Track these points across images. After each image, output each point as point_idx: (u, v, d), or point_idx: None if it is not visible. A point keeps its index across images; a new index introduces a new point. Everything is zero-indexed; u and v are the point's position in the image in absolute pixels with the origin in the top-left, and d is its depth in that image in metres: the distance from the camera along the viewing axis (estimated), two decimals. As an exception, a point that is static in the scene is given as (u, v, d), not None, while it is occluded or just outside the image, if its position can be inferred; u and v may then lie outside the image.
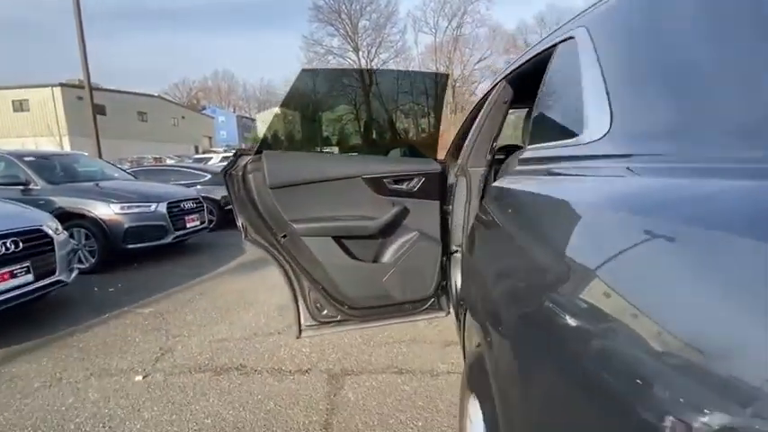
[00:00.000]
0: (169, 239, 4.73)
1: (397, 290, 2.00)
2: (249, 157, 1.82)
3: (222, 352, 2.49)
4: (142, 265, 4.59)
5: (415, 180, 1.95)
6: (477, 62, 35.06)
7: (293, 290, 1.90)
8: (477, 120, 2.02)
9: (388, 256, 2.00)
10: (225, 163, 2.58)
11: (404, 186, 1.95)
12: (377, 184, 1.91)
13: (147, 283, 3.90)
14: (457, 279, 2.14)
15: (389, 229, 1.95)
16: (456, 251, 2.15)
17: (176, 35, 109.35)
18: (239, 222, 1.79)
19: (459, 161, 2.09)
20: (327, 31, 32.93)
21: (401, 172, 1.94)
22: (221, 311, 3.18)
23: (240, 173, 1.80)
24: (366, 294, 2.00)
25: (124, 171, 6.25)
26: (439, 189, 2.02)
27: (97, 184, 4.87)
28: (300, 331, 1.98)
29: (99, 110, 14.83)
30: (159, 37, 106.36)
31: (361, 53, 33.27)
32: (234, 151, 2.30)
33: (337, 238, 1.92)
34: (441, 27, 34.88)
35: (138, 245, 4.50)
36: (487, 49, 35.17)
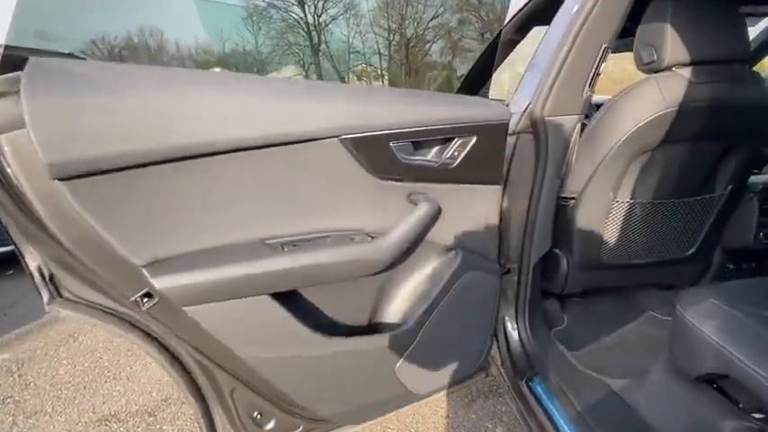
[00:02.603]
0: None
1: (423, 381, 1.03)
2: None
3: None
4: None
5: (460, 143, 0.93)
6: (431, 20, 33.50)
7: (200, 397, 0.87)
8: (558, 50, 1.06)
9: (401, 311, 1.01)
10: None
11: (435, 157, 0.94)
12: (377, 154, 0.87)
13: None
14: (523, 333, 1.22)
15: (404, 255, 0.93)
16: (508, 270, 1.22)
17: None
18: (25, 264, 0.72)
19: (523, 106, 1.11)
20: (267, -19, 29.60)
21: (432, 123, 0.90)
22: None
23: None
24: (357, 402, 1.02)
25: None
26: (505, 159, 1.03)
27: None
28: None
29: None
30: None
31: (306, 7, 30.44)
32: None
33: (283, 295, 0.86)
34: (392, -20, 32.63)
35: None
36: (441, 6, 33.63)
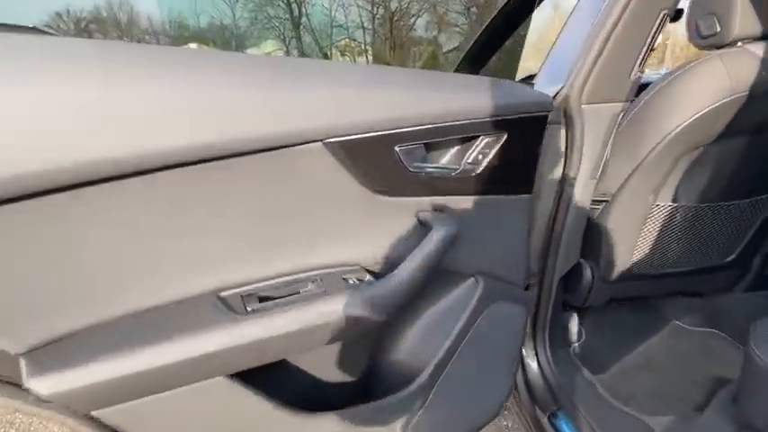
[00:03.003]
0: None
1: None
2: None
3: None
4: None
5: (486, 142, 0.70)
6: (416, -7, 32.43)
7: None
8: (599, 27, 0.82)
9: (408, 363, 0.78)
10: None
11: (454, 163, 0.70)
12: (377, 163, 0.64)
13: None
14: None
15: (414, 297, 0.70)
16: (527, 286, 1.02)
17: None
18: None
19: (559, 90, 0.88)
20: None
21: (451, 117, 0.66)
22: None
23: None
24: None
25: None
26: (538, 161, 0.81)
27: None
28: None
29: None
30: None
31: (286, -22, 29.01)
32: None
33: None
34: (375, -50, 31.25)
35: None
36: (426, -22, 32.49)
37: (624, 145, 1.02)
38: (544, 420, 1.09)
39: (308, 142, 0.56)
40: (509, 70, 1.71)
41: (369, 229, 0.67)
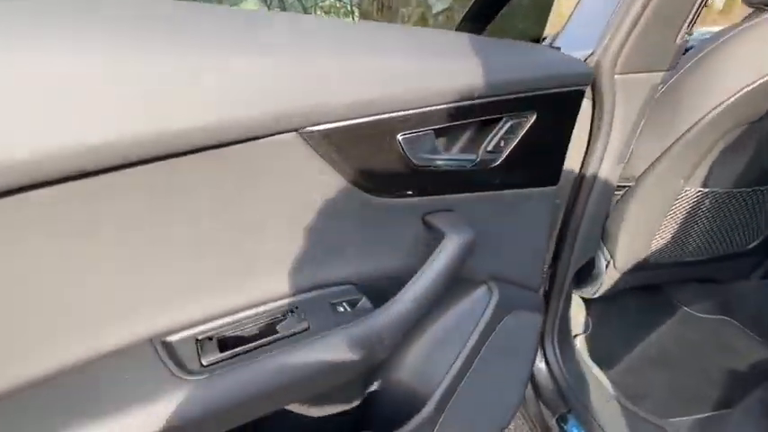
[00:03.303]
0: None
1: None
2: None
3: None
4: None
5: (511, 125, 0.55)
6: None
7: None
8: None
9: (413, 391, 0.65)
10: None
11: (469, 152, 0.55)
12: (374, 156, 0.48)
13: None
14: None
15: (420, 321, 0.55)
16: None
17: None
18: None
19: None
20: None
21: (469, 94, 0.50)
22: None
23: None
24: None
25: None
26: (568, 146, 0.66)
27: None
28: None
29: None
30: None
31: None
32: None
33: None
34: None
35: None
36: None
37: (655, 122, 0.87)
38: (552, 423, 1.01)
39: (277, 133, 0.40)
40: (516, 33, 1.51)
41: (363, 239, 0.53)
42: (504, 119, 0.55)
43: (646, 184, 0.94)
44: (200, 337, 0.43)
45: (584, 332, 1.26)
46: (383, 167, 0.49)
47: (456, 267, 0.53)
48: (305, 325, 0.46)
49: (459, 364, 0.66)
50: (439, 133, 0.53)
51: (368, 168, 0.48)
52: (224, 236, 0.44)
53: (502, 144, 0.57)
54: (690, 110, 0.84)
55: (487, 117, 0.54)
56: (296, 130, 0.41)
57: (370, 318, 0.48)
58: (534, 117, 0.56)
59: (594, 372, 1.09)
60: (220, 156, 0.39)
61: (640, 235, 1.05)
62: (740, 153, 0.93)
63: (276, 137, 0.40)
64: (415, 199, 0.54)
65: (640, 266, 1.14)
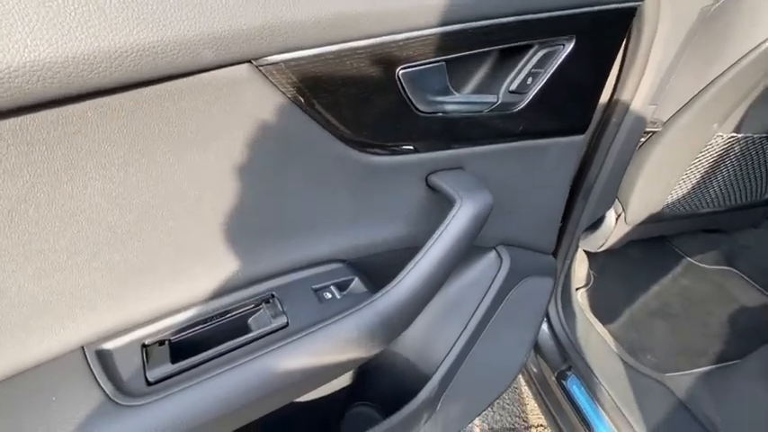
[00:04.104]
0: None
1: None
2: None
3: None
4: None
5: (542, 56, 0.42)
6: None
7: None
8: None
9: (419, 365, 0.58)
10: None
11: (488, 92, 0.43)
12: (363, 99, 0.34)
13: None
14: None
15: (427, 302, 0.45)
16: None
17: None
18: None
19: None
20: None
21: (491, 12, 0.36)
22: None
23: None
24: None
25: None
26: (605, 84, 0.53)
27: None
28: None
29: None
30: None
31: None
32: None
33: None
34: None
35: None
36: None
37: (696, 56, 0.74)
38: (552, 380, 0.99)
39: (225, 65, 0.27)
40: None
41: (352, 205, 0.42)
42: (536, 47, 0.42)
43: (675, 129, 0.83)
44: (147, 342, 0.34)
45: (586, 286, 1.22)
46: (377, 115, 0.37)
47: (470, 239, 0.43)
48: (283, 320, 0.36)
49: (463, 339, 0.59)
50: (449, 68, 0.40)
51: (356, 116, 0.36)
52: (171, 203, 0.33)
53: (529, 81, 0.44)
54: (734, 45, 0.70)
55: (514, 44, 0.41)
56: (249, 61, 0.28)
57: (366, 306, 0.38)
58: (572, 44, 0.43)
59: (596, 327, 1.05)
60: (143, 98, 0.27)
61: (660, 185, 0.95)
62: None
63: (223, 71, 0.28)
64: (418, 156, 0.43)
65: (653, 219, 1.06)
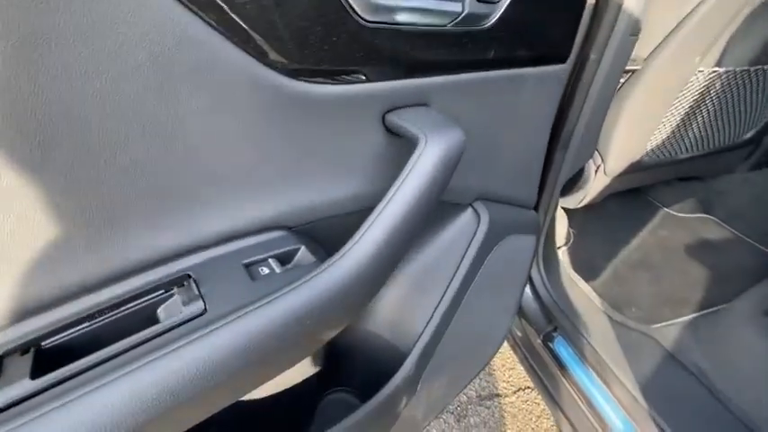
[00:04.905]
0: None
1: (430, 408, 0.60)
2: None
3: None
4: None
5: None
6: None
7: None
8: None
9: (394, 339, 0.50)
10: None
11: (446, 4, 0.33)
12: (291, 11, 0.25)
13: None
14: None
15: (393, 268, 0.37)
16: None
17: None
18: None
19: None
20: None
21: None
22: None
23: None
24: None
25: None
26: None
27: None
28: None
29: None
30: None
31: None
32: None
33: None
34: None
35: None
36: None
37: None
38: (537, 343, 0.95)
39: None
40: None
41: (291, 154, 0.33)
42: None
43: (656, 65, 0.76)
44: (2, 351, 0.24)
45: (566, 244, 1.18)
46: (308, 23, 0.27)
47: (441, 186, 0.35)
48: (198, 306, 0.28)
49: (442, 309, 0.52)
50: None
51: (280, 25, 0.26)
52: (45, 151, 0.22)
53: None
54: None
55: None
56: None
57: (312, 278, 0.30)
58: None
59: (580, 285, 1.02)
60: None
61: (640, 130, 0.90)
62: (759, 26, 0.76)
63: None
64: (370, 86, 0.34)
65: (632, 169, 1.02)
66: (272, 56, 0.28)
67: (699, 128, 0.96)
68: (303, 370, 0.57)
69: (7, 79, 0.21)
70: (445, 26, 0.34)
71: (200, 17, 0.24)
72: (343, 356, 0.58)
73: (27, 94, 0.22)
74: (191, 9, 0.24)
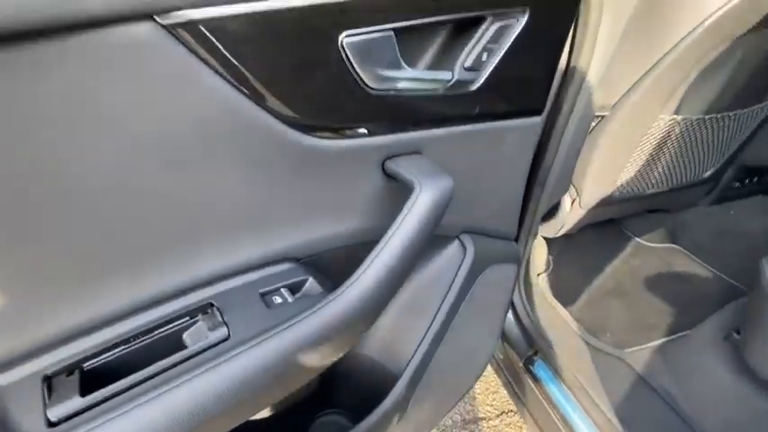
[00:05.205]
0: None
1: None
2: None
3: None
4: None
5: (496, 30, 0.40)
6: None
7: None
8: None
9: (384, 367, 0.54)
10: None
11: (441, 68, 0.40)
12: (299, 70, 0.31)
13: None
14: None
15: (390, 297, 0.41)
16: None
17: None
18: None
19: None
20: None
21: None
22: None
23: None
24: None
25: None
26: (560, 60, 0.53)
27: None
28: None
29: None
30: None
31: None
32: None
33: None
34: None
35: None
36: None
37: (638, 38, 0.76)
38: (519, 366, 0.99)
39: (125, 21, 0.22)
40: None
41: (301, 197, 0.38)
42: (489, 20, 0.40)
43: (622, 112, 0.85)
44: (50, 372, 0.27)
45: (546, 271, 1.25)
46: (321, 90, 0.32)
47: (432, 226, 0.40)
48: (223, 332, 0.31)
49: (431, 334, 0.56)
50: (400, 40, 0.37)
51: (296, 91, 0.31)
52: (66, 197, 0.26)
53: (484, 57, 0.42)
54: (678, 23, 0.73)
55: (465, 15, 0.38)
56: (151, 17, 0.23)
57: (321, 308, 0.34)
58: (526, 17, 0.41)
59: (558, 310, 1.08)
60: (13, 60, 0.21)
61: (610, 169, 0.98)
62: (716, 76, 0.86)
63: (118, 28, 0.22)
64: (372, 139, 0.39)
65: (605, 203, 1.10)
66: (293, 117, 0.33)
67: (663, 167, 1.05)
68: (295, 392, 0.60)
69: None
70: (438, 91, 0.40)
71: (236, 88, 0.29)
72: (336, 379, 0.61)
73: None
74: (228, 81, 0.29)
